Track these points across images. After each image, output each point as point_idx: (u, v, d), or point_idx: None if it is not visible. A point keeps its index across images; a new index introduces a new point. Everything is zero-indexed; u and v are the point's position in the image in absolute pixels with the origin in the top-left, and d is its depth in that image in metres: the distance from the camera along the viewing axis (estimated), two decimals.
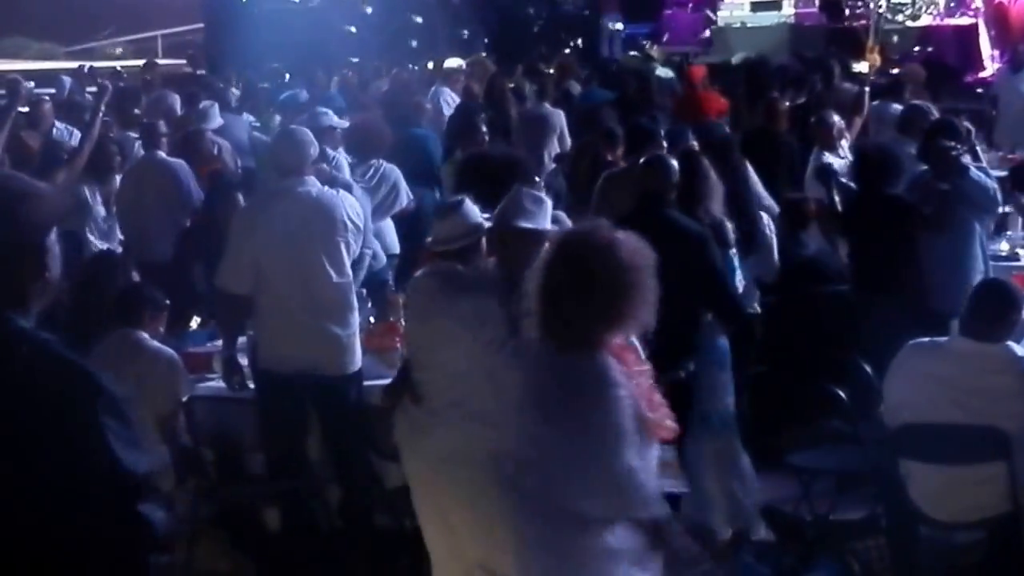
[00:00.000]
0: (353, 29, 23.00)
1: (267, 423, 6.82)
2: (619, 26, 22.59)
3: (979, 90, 17.49)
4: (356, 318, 6.92)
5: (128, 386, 6.17)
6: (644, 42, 21.45)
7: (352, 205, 7.06)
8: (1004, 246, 9.28)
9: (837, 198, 8.63)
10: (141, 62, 18.73)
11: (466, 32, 23.31)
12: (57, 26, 28.16)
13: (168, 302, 6.91)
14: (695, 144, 8.82)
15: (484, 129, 10.60)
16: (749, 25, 21.14)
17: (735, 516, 7.02)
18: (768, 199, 9.06)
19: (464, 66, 16.59)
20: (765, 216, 8.58)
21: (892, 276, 8.12)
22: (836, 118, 10.38)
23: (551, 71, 16.32)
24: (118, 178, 9.83)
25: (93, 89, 13.72)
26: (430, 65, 18.55)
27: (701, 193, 7.38)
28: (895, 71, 15.88)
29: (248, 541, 6.91)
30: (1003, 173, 10.39)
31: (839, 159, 10.03)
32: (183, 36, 27.65)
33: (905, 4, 20.15)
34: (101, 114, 9.73)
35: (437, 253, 5.84)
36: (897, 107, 11.98)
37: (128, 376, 6.26)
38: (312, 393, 6.76)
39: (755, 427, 7.38)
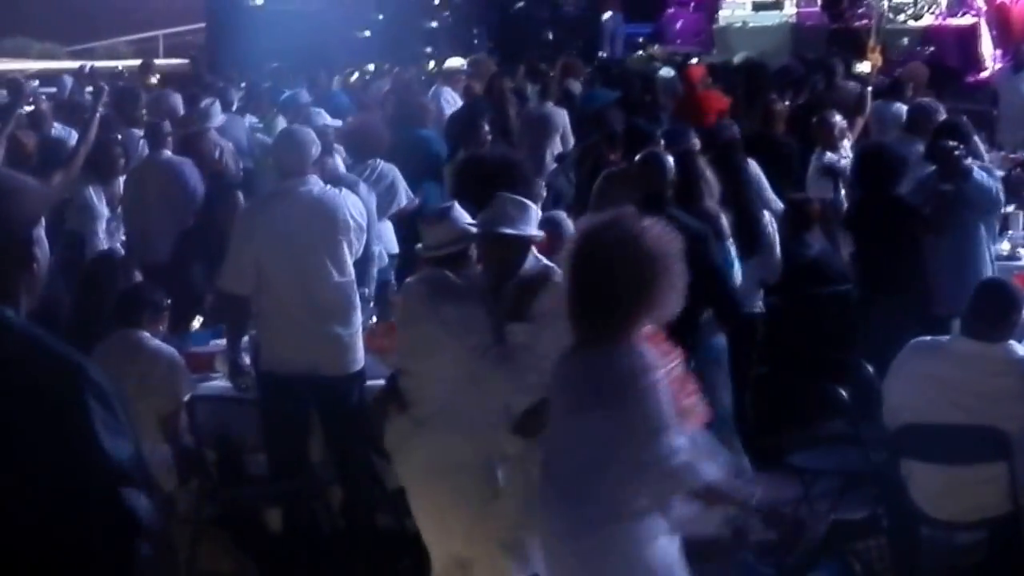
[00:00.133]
0: (368, 33, 22.99)
1: (269, 424, 6.82)
2: (621, 26, 22.59)
3: (981, 90, 17.48)
4: (358, 318, 6.92)
5: (129, 386, 6.20)
6: (640, 40, 21.45)
7: (354, 204, 7.06)
8: (1005, 246, 9.28)
9: (844, 192, 8.65)
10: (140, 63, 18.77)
11: (471, 32, 23.32)
12: (59, 26, 28.17)
13: (169, 302, 6.92)
14: (697, 144, 8.83)
15: (487, 129, 10.60)
16: (751, 25, 21.13)
17: (733, 516, 7.01)
18: (776, 202, 9.05)
19: (465, 66, 16.58)
20: (767, 215, 8.59)
21: (895, 277, 8.13)
22: (838, 118, 10.37)
23: (552, 72, 16.29)
24: (122, 179, 9.83)
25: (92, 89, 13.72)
26: (431, 65, 18.55)
27: (698, 189, 7.40)
28: (897, 71, 15.87)
29: (250, 542, 6.92)
30: (1002, 172, 10.37)
31: (841, 159, 10.03)
32: (184, 36, 27.65)
33: (907, 4, 20.13)
34: (98, 116, 9.74)
35: (428, 259, 5.88)
36: (898, 107, 11.99)
37: (129, 376, 6.28)
38: (314, 393, 6.76)
39: (757, 427, 7.38)
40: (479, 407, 5.60)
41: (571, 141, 12.66)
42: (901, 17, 20.10)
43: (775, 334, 8.02)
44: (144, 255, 8.64)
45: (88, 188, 9.47)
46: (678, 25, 22.66)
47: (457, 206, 5.83)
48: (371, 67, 18.01)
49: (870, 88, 12.34)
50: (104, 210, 9.57)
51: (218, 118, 12.03)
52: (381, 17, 23.64)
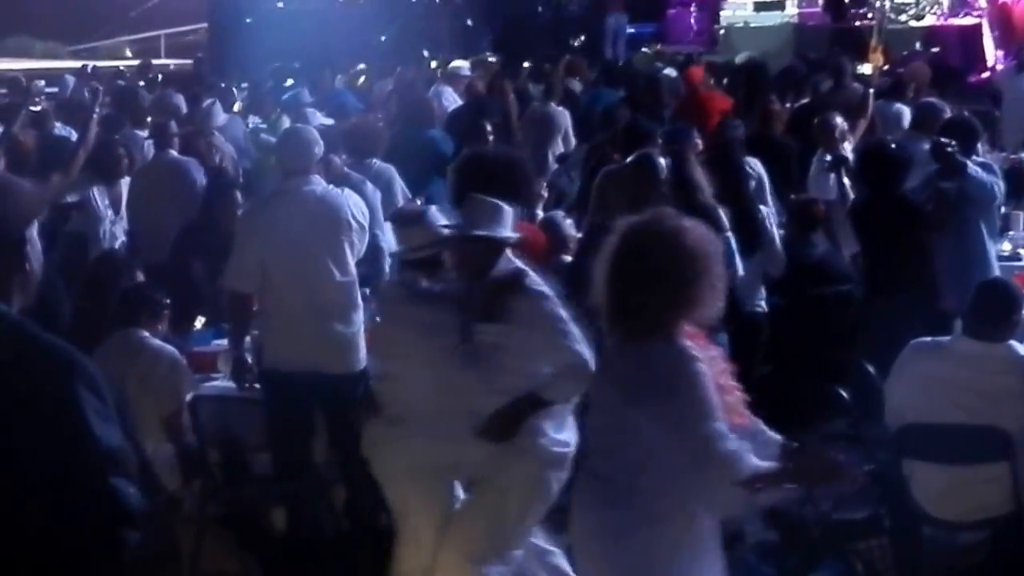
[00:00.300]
0: (383, 38, 22.98)
1: (273, 423, 6.83)
2: (623, 26, 22.58)
3: (983, 90, 17.47)
4: (361, 316, 6.93)
5: (131, 386, 6.22)
6: (645, 40, 21.44)
7: (357, 204, 7.08)
8: (1007, 246, 9.28)
9: (849, 184, 8.65)
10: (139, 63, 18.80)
11: (472, 32, 23.31)
12: (61, 25, 28.19)
13: (169, 301, 6.93)
14: (699, 143, 8.85)
15: (489, 128, 10.61)
16: (753, 25, 21.14)
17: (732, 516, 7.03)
18: (769, 202, 9.06)
19: (468, 67, 16.58)
20: (765, 209, 8.60)
21: (900, 276, 8.13)
22: (839, 119, 10.37)
23: (556, 72, 16.29)
24: (124, 180, 9.84)
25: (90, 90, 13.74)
26: (433, 65, 18.55)
27: (691, 186, 7.43)
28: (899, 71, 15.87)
29: (253, 541, 6.92)
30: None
31: None
32: (187, 36, 27.67)
33: (909, 4, 20.14)
34: (98, 116, 9.75)
35: (403, 262, 5.92)
36: (900, 107, 11.99)
37: (131, 376, 6.30)
38: (317, 392, 6.77)
39: None
40: (446, 410, 5.64)
41: (572, 141, 12.67)
42: (903, 17, 20.10)
43: (778, 334, 8.03)
44: (151, 255, 8.65)
45: (91, 189, 9.48)
46: (680, 25, 22.67)
47: (433, 209, 5.90)
48: (362, 66, 18.03)
49: (872, 90, 12.32)
50: (107, 211, 9.58)
51: (220, 117, 12.06)
52: (382, 17, 23.65)
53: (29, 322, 3.02)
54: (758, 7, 21.51)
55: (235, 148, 11.97)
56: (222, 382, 7.13)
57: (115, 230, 9.62)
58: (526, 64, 17.92)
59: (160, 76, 18.56)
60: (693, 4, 22.87)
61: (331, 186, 7.09)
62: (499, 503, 5.69)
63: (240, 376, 6.90)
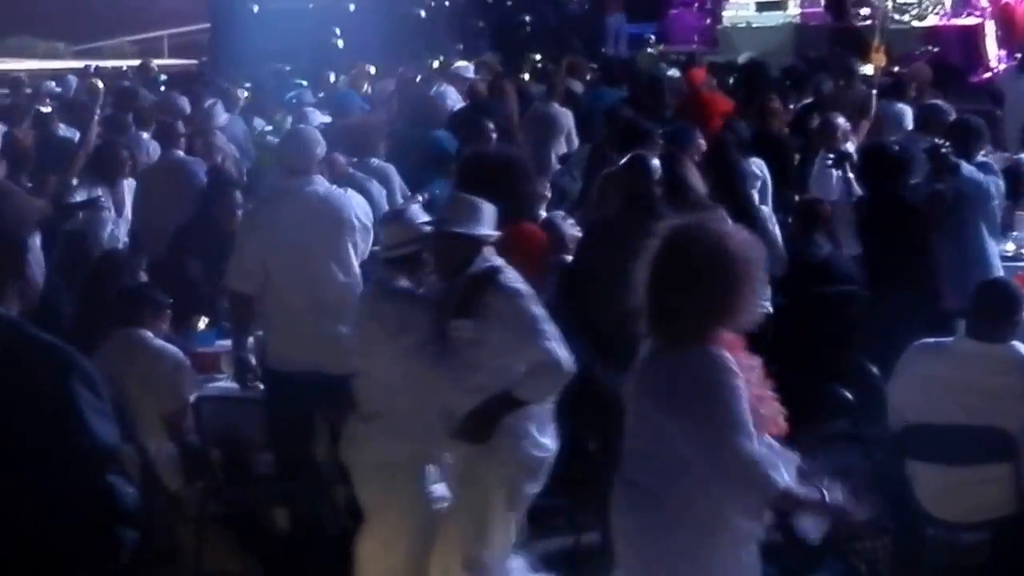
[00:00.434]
0: (389, 39, 22.96)
1: (275, 423, 6.84)
2: (624, 26, 22.58)
3: (985, 90, 17.45)
4: None
5: (132, 385, 6.22)
6: (649, 39, 21.41)
7: (360, 204, 7.08)
8: (1010, 246, 9.28)
9: (853, 178, 8.66)
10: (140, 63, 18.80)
11: (473, 31, 23.29)
12: (64, 25, 28.19)
13: (171, 300, 6.93)
14: (703, 143, 8.85)
15: (491, 127, 10.61)
16: (754, 25, 21.12)
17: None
18: (769, 202, 9.06)
19: (470, 67, 16.57)
20: (766, 209, 8.59)
21: (902, 276, 8.14)
22: (841, 120, 10.37)
23: (558, 72, 16.28)
24: (126, 181, 9.84)
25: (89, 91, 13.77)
26: (435, 64, 18.52)
27: (684, 186, 7.43)
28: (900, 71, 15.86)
29: (256, 541, 6.93)
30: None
31: None
32: (189, 36, 27.65)
33: (911, 4, 20.11)
34: (98, 117, 9.75)
35: (385, 260, 5.94)
36: (901, 107, 11.99)
37: (132, 375, 6.30)
38: (319, 392, 6.78)
39: None
40: (416, 408, 5.65)
41: (575, 142, 12.66)
42: (905, 17, 20.08)
43: (781, 334, 8.02)
44: (155, 254, 8.65)
45: (96, 189, 9.48)
46: (681, 25, 22.65)
47: (413, 207, 5.91)
48: (372, 70, 18.01)
49: (874, 91, 12.32)
50: (109, 211, 9.58)
51: (221, 117, 12.06)
52: (382, 17, 23.62)
53: (27, 322, 3.02)
54: (760, 7, 21.47)
55: (237, 148, 11.97)
56: (225, 382, 7.13)
57: (117, 231, 9.62)
58: (527, 65, 17.91)
59: (163, 76, 18.55)
60: (695, 4, 22.85)
61: (334, 186, 7.09)
62: (481, 504, 5.67)
63: (242, 376, 6.91)
